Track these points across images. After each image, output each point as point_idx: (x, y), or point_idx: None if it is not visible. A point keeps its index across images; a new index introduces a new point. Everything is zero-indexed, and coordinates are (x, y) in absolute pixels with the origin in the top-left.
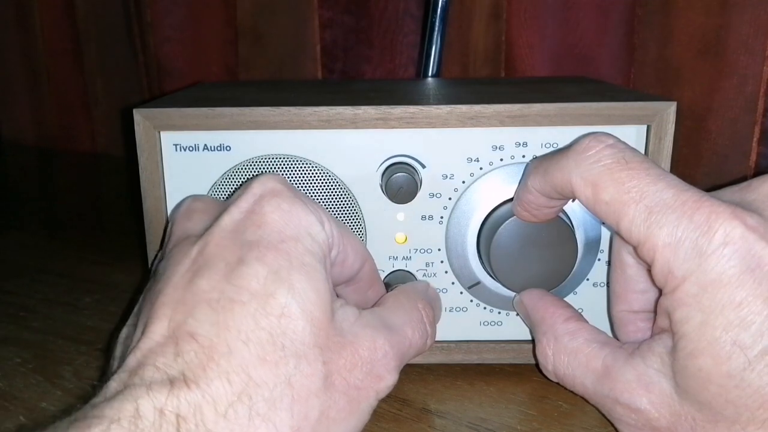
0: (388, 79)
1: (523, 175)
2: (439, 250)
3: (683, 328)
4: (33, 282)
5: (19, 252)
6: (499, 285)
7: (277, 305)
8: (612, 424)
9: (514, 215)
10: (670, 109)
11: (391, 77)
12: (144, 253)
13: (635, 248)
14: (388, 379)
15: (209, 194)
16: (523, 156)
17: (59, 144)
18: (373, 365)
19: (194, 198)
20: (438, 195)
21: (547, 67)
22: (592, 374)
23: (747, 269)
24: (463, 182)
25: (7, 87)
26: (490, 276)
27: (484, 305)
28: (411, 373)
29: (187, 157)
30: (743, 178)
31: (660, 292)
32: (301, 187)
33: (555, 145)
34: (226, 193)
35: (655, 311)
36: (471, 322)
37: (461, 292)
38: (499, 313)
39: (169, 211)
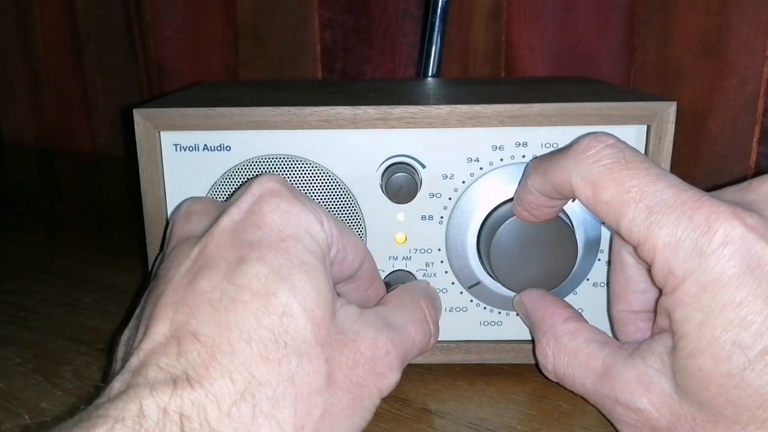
0: (388, 79)
1: (523, 175)
2: (439, 250)
3: (683, 328)
4: (33, 282)
5: (19, 252)
6: (499, 285)
7: (279, 304)
8: (612, 424)
9: (514, 215)
10: (670, 109)
11: (391, 77)
12: (144, 253)
13: (635, 248)
14: (390, 377)
15: (209, 194)
16: (523, 156)
17: (59, 144)
18: (375, 363)
19: (193, 200)
20: (438, 195)
21: (547, 67)
22: (592, 374)
23: (747, 269)
24: (463, 182)
25: (7, 87)
26: (490, 276)
27: (484, 305)
28: (411, 373)
29: (187, 157)
30: (743, 178)
31: (660, 292)
32: (301, 187)
33: (555, 145)
34: (226, 193)
35: (655, 311)
36: (471, 322)
37: (461, 292)
38: (499, 313)
39: (169, 211)
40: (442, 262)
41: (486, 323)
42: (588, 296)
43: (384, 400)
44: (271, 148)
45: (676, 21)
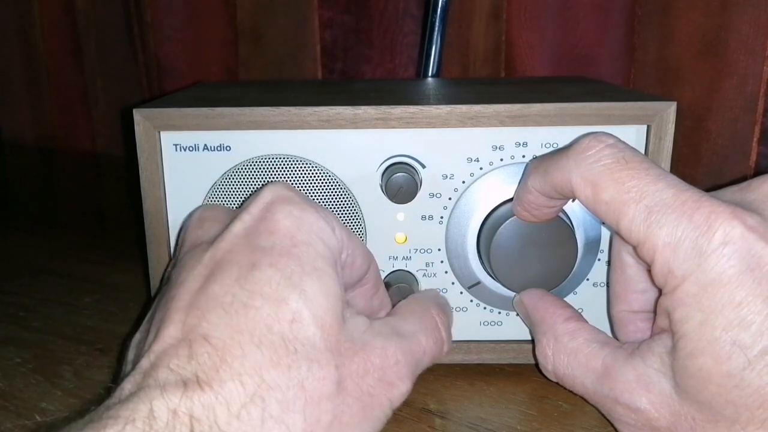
0: (388, 79)
1: (523, 175)
2: (439, 250)
3: (683, 328)
4: (33, 282)
5: (19, 252)
6: (499, 285)
7: (289, 311)
8: (612, 424)
9: (514, 215)
10: (670, 109)
11: (391, 77)
12: (144, 253)
13: (635, 248)
14: (400, 387)
15: (209, 194)
16: (523, 156)
17: (59, 144)
18: (385, 372)
19: (206, 207)
20: (438, 195)
21: (547, 67)
22: (592, 374)
23: (747, 269)
24: (463, 182)
25: (7, 87)
26: (490, 276)
27: (484, 305)
28: None
29: (187, 157)
30: (743, 178)
31: (660, 292)
32: (301, 187)
33: (555, 145)
34: (227, 193)
35: (654, 311)
36: (471, 322)
37: (461, 292)
38: (499, 313)
39: (169, 211)
40: (442, 262)
41: (486, 323)
42: (588, 296)
43: None
44: (271, 148)
45: (676, 21)
